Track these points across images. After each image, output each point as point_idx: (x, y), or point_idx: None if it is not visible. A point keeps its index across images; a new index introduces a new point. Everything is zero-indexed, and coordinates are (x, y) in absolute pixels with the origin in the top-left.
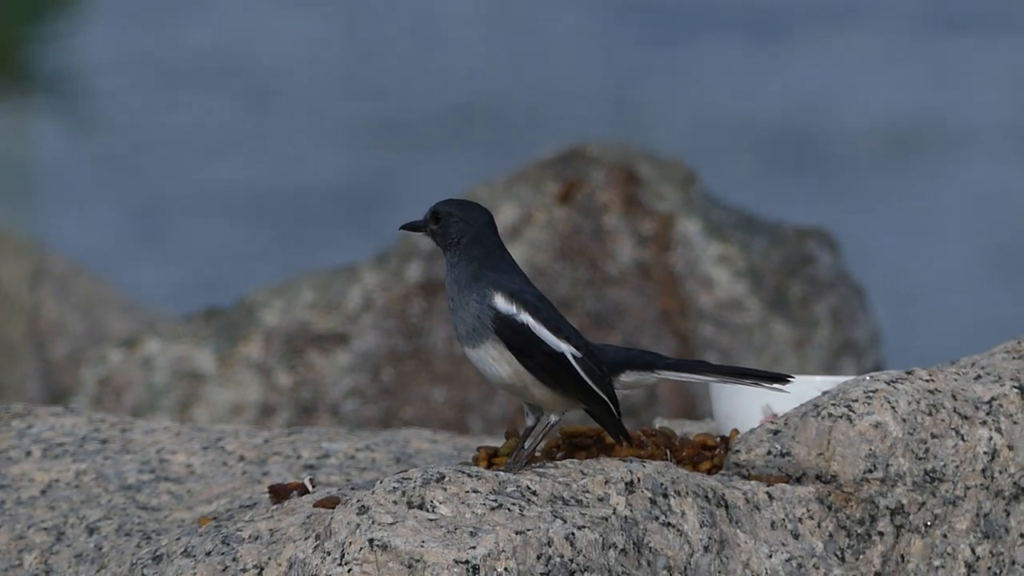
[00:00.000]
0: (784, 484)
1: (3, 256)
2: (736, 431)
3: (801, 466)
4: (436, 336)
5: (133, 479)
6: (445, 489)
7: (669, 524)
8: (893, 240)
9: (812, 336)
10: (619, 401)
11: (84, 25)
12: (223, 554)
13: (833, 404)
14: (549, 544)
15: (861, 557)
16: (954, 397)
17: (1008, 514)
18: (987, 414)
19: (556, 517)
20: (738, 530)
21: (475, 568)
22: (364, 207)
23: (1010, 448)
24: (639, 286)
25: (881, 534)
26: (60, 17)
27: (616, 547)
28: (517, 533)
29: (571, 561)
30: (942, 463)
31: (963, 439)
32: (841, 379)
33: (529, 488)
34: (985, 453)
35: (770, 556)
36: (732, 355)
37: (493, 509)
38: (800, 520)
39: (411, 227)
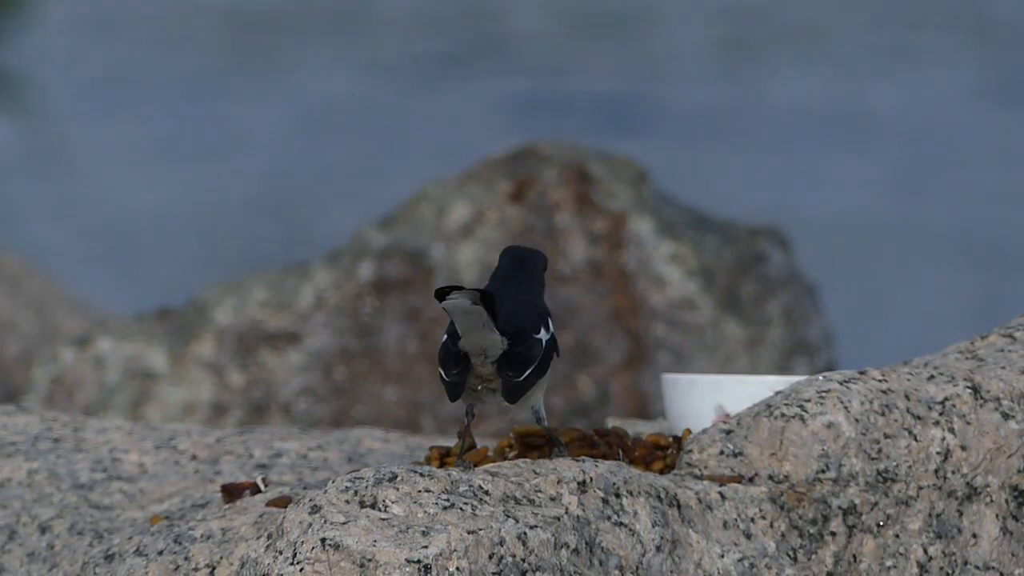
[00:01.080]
0: (736, 484)
1: None
2: (689, 431)
3: (754, 466)
4: (388, 335)
5: (85, 478)
6: (397, 488)
7: (621, 524)
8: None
9: (764, 335)
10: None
11: (36, 25)
12: (175, 553)
13: (786, 404)
14: (501, 544)
15: (813, 557)
16: (907, 397)
17: (961, 514)
18: (940, 414)
19: (508, 516)
20: (690, 530)
21: (427, 568)
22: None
23: (963, 448)
24: (591, 284)
25: (833, 534)
26: (10, 16)
27: (568, 547)
28: (469, 532)
29: (523, 561)
30: (895, 463)
31: (916, 439)
32: (794, 379)
33: (481, 488)
34: (938, 453)
35: (722, 556)
36: (684, 354)
37: (445, 508)
38: (752, 520)
39: None
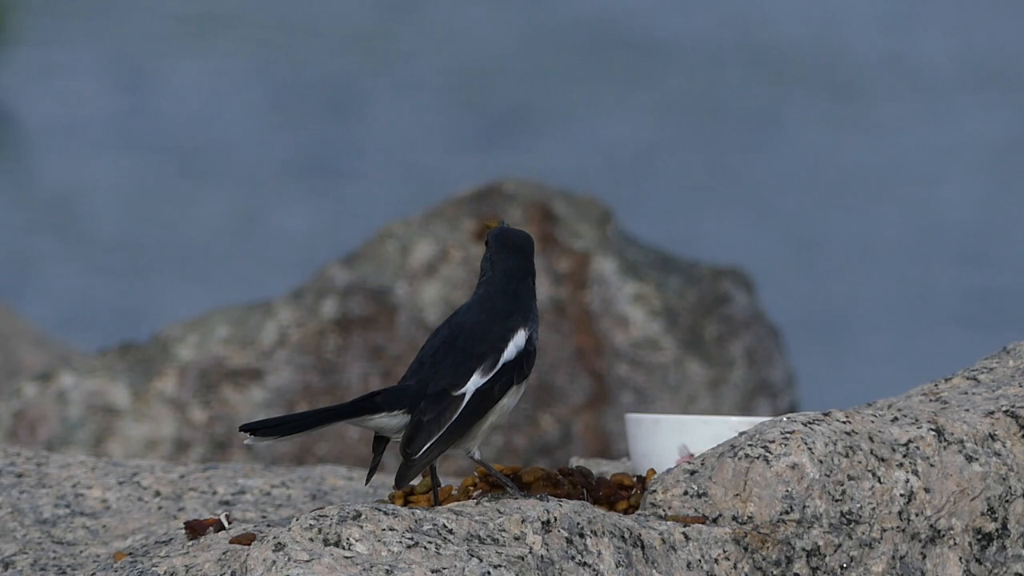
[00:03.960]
0: (700, 525)
1: None
2: (653, 471)
3: (717, 507)
4: (351, 373)
5: (48, 513)
6: (361, 527)
7: (585, 564)
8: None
9: (727, 376)
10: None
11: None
12: None
13: (750, 445)
14: None
15: None
16: (871, 439)
17: (924, 557)
18: (904, 456)
19: (472, 556)
20: (654, 570)
21: None
22: None
23: (927, 491)
24: (554, 324)
25: None
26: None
27: None
28: (433, 571)
29: None
30: (858, 505)
31: (880, 481)
32: (758, 420)
33: (446, 526)
34: (902, 495)
35: None
36: (647, 394)
37: (409, 547)
38: (716, 561)
39: None
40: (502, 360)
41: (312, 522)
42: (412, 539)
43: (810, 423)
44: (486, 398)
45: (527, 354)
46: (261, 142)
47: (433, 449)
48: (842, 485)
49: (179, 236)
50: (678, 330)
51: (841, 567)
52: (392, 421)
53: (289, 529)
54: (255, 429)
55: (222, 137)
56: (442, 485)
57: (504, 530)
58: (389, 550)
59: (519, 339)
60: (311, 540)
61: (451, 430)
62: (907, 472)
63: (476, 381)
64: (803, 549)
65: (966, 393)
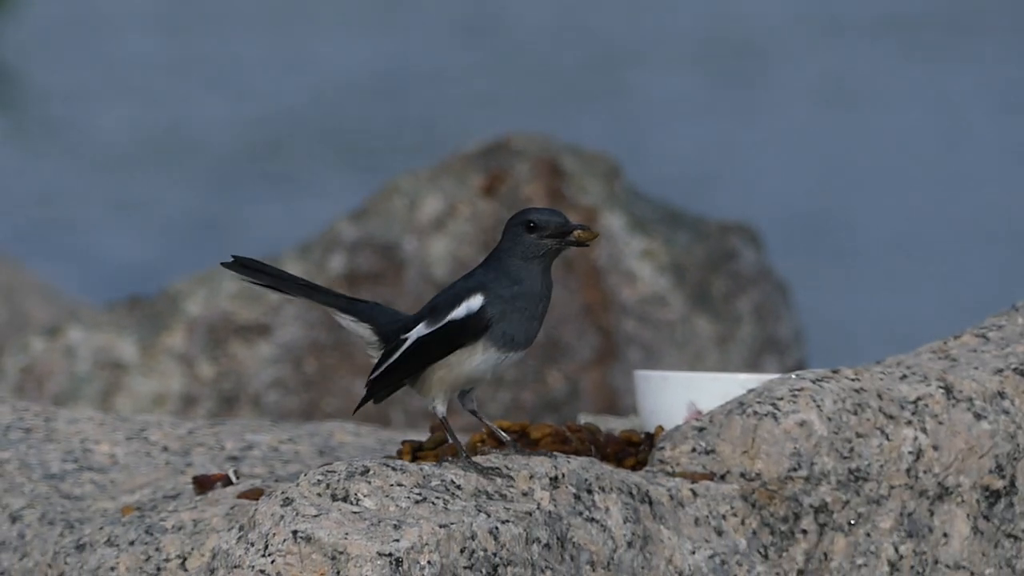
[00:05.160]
0: (708, 481)
1: None
2: (661, 428)
3: (726, 463)
4: None
5: (56, 468)
6: (369, 482)
7: (593, 519)
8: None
9: (735, 332)
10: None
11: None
12: (146, 543)
13: (758, 402)
14: (473, 538)
15: (784, 555)
16: (880, 396)
17: (932, 514)
18: (912, 414)
19: (480, 511)
20: (662, 526)
21: (398, 561)
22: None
23: (935, 448)
24: (562, 279)
25: (804, 532)
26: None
27: (540, 542)
28: (441, 527)
29: (494, 555)
30: (867, 462)
31: (888, 438)
32: (767, 377)
33: (453, 482)
34: (910, 453)
35: (693, 552)
36: (654, 350)
37: (417, 502)
38: (724, 517)
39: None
40: (448, 317)
41: (320, 477)
42: (420, 495)
43: (819, 380)
44: (423, 347)
45: (477, 319)
46: None
47: (377, 382)
48: (850, 442)
49: None
50: (686, 286)
51: (849, 524)
52: (357, 328)
53: (297, 484)
54: (244, 264)
55: None
56: (460, 441)
57: (512, 486)
58: (397, 505)
59: (472, 303)
60: (319, 495)
61: (391, 368)
62: (916, 430)
63: (419, 330)
64: (811, 506)
65: (975, 351)
